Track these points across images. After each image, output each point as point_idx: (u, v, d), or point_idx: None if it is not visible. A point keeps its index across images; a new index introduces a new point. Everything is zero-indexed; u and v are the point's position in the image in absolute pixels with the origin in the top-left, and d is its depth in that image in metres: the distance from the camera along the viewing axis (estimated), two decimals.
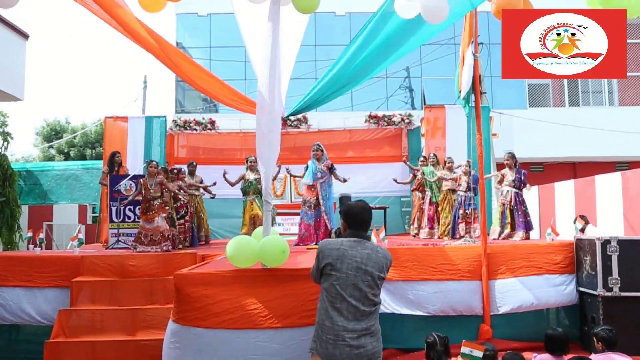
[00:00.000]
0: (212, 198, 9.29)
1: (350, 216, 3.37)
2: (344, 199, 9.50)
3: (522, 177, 8.07)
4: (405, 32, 6.29)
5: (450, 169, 9.02)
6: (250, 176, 8.59)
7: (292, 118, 10.73)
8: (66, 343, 5.50)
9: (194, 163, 9.36)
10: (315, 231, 7.95)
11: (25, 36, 10.65)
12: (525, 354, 5.68)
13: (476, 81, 7.04)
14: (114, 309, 5.81)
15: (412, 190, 9.96)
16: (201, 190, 9.20)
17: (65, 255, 6.78)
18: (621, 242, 6.02)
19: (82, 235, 8.35)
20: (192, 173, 9.21)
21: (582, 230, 7.91)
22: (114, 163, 9.03)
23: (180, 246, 7.97)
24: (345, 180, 8.19)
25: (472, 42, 7.46)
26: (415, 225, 9.72)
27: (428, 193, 9.37)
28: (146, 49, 6.56)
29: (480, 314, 6.30)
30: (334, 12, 18.71)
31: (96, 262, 6.38)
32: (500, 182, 8.27)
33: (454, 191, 8.94)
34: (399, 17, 6.01)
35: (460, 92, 8.31)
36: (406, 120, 11.61)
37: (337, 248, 3.22)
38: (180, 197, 8.11)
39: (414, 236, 9.57)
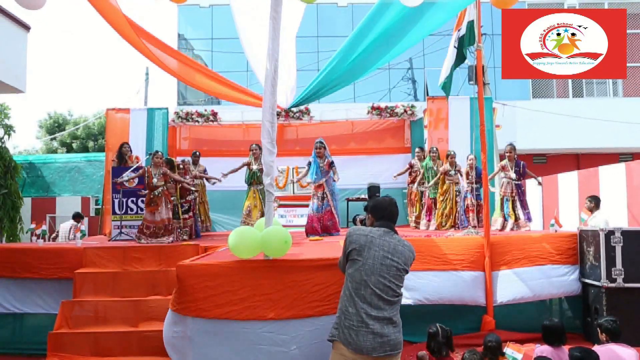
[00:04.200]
0: (213, 183, 9.23)
1: (379, 210, 3.43)
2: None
3: (521, 169, 8.13)
4: (407, 24, 6.27)
5: (452, 163, 9.02)
6: (254, 166, 8.59)
7: (294, 109, 10.69)
8: (69, 334, 5.51)
9: (197, 153, 9.35)
10: (319, 223, 7.94)
11: (26, 28, 10.61)
12: (528, 345, 5.72)
13: (479, 72, 7.02)
14: (117, 300, 5.82)
15: (409, 184, 10.00)
16: (204, 179, 9.21)
17: (68, 247, 6.79)
18: (625, 233, 6.00)
19: (84, 227, 8.37)
20: (195, 163, 9.22)
21: (590, 210, 7.67)
22: (123, 154, 8.99)
23: (186, 237, 7.98)
24: (337, 180, 8.14)
25: (457, 31, 7.60)
26: (413, 217, 9.80)
27: (426, 185, 9.41)
28: (136, 48, 6.59)
29: (483, 305, 6.30)
30: (336, 3, 18.62)
31: (99, 253, 6.39)
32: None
33: (456, 183, 8.96)
34: (400, 8, 5.98)
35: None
36: (409, 112, 11.58)
37: (366, 235, 3.26)
38: (185, 185, 8.08)
39: (415, 227, 9.65)
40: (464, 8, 7.34)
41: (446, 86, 8.11)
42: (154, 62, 7.18)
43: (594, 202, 7.53)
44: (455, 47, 7.82)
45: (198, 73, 7.99)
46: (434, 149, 9.54)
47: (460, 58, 7.84)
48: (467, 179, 8.71)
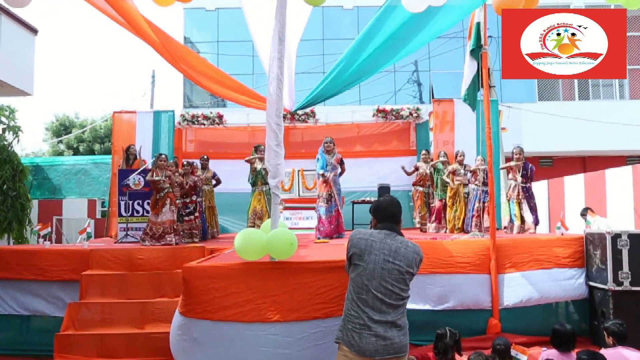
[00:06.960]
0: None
1: (379, 211, 3.35)
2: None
3: (529, 172, 8.08)
4: (413, 27, 6.27)
5: (461, 163, 8.99)
6: (259, 165, 8.56)
7: (300, 112, 10.71)
8: (76, 335, 5.54)
9: (206, 157, 9.36)
10: (329, 225, 7.95)
11: (34, 31, 10.69)
12: (534, 349, 5.69)
13: (485, 74, 7.01)
14: (123, 302, 5.84)
15: (414, 184, 10.00)
16: (213, 182, 9.24)
17: (75, 248, 6.82)
18: (632, 236, 5.97)
19: (90, 229, 8.40)
20: (204, 167, 9.23)
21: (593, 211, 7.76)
22: (129, 155, 9.03)
23: (196, 240, 7.99)
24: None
25: (471, 38, 7.53)
26: (418, 218, 9.77)
27: (432, 188, 9.39)
28: (152, 47, 6.58)
29: (488, 308, 6.27)
30: (342, 6, 18.63)
31: (105, 255, 6.41)
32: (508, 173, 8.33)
33: (464, 185, 8.91)
34: (406, 11, 5.99)
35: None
36: (414, 114, 11.57)
37: (366, 239, 3.19)
38: (187, 187, 8.09)
39: (421, 230, 9.61)
40: (471, 12, 7.30)
41: (469, 98, 8.02)
42: (164, 57, 7.13)
43: (588, 210, 7.70)
44: (472, 57, 7.75)
45: (206, 73, 7.96)
46: (442, 153, 9.52)
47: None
48: (475, 178, 8.64)
